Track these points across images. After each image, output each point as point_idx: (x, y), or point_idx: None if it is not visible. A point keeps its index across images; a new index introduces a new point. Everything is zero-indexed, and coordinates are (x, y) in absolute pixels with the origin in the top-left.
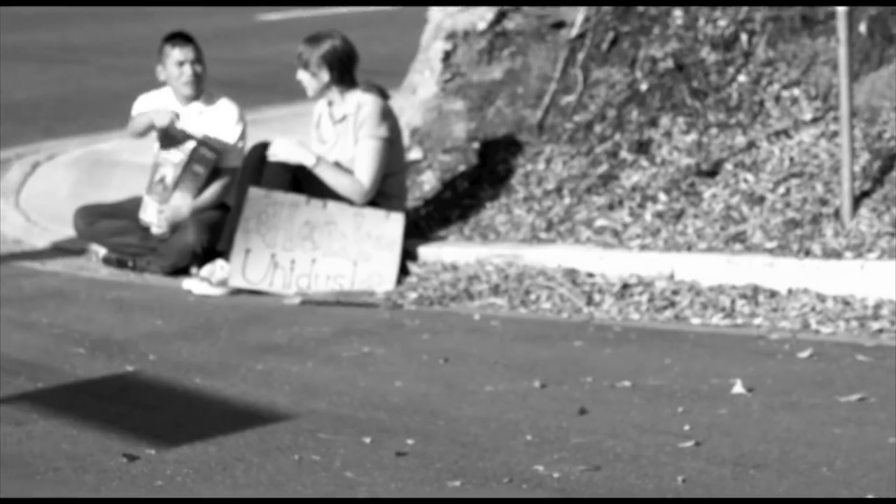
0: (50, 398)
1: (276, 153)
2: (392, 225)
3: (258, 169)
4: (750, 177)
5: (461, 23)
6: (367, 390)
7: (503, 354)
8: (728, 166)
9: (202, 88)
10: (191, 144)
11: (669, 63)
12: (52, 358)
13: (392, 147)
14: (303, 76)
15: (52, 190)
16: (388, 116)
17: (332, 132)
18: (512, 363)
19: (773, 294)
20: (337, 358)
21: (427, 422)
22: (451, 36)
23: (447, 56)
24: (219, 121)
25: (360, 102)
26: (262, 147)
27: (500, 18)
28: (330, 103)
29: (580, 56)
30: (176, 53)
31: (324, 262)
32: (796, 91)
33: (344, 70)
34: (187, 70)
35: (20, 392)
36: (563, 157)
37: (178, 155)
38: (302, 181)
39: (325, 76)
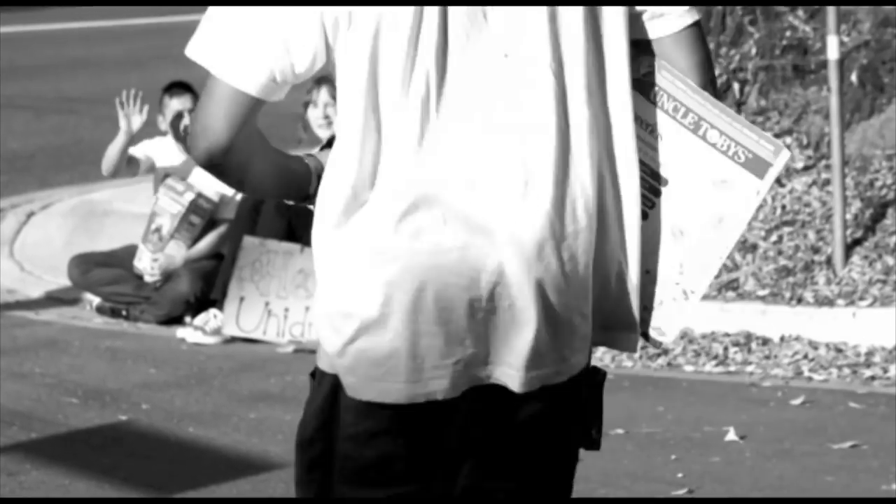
0: (43, 448)
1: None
2: None
3: (252, 218)
4: None
5: None
6: None
7: None
8: None
9: None
10: (189, 196)
11: None
12: (46, 408)
13: None
14: (335, 110)
15: (47, 240)
16: None
17: None
18: None
19: (765, 341)
20: None
21: None
22: None
23: None
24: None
25: None
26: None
27: None
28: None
29: None
30: (174, 103)
31: None
32: (788, 139)
33: None
34: (186, 120)
35: (13, 442)
36: None
37: (175, 206)
38: (296, 229)
39: None
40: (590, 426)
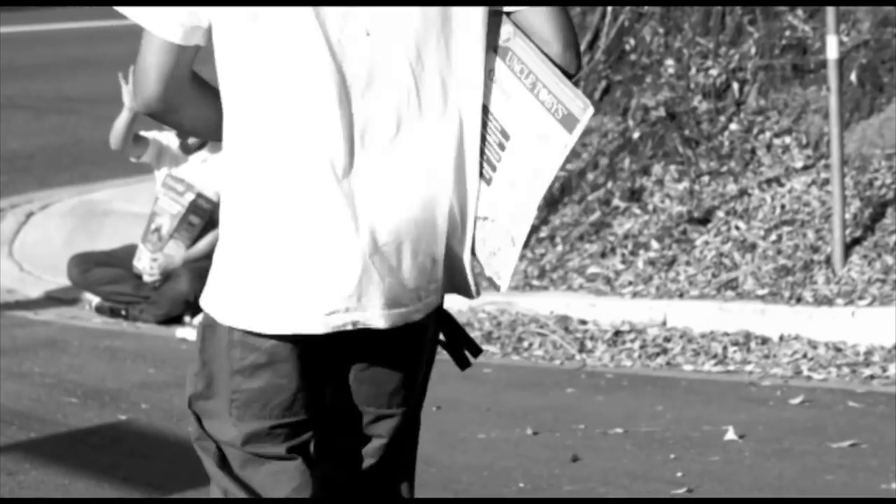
0: (42, 448)
1: None
2: None
3: None
4: (741, 224)
5: None
6: None
7: (495, 402)
8: (720, 214)
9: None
10: (189, 196)
11: (661, 112)
12: (45, 407)
13: None
14: None
15: (46, 239)
16: None
17: None
18: (504, 410)
19: (764, 341)
20: None
21: (419, 470)
22: None
23: None
24: (221, 169)
25: None
26: None
27: None
28: None
29: None
30: None
31: None
32: (787, 139)
33: None
34: None
35: (12, 442)
36: (556, 205)
37: (175, 206)
38: None
39: None
40: (462, 349)
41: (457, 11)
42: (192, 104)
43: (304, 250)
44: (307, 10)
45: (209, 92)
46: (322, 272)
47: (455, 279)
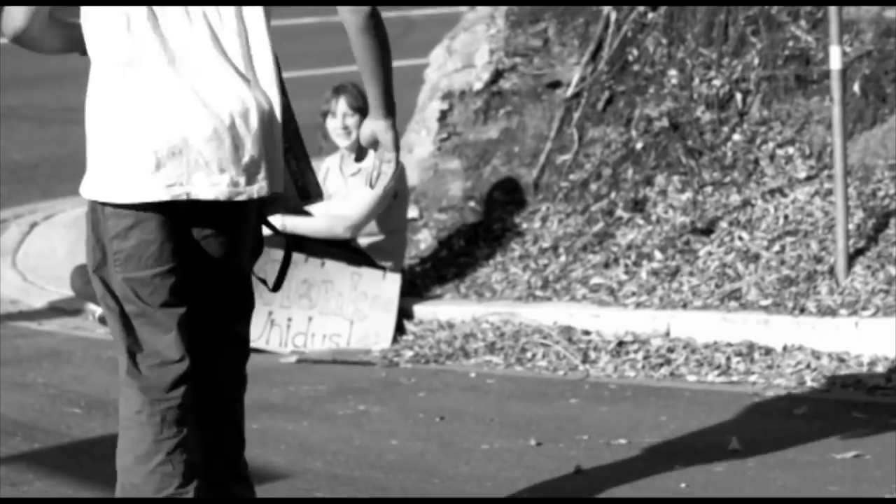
0: (46, 458)
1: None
2: (389, 285)
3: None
4: (745, 235)
5: (457, 83)
6: (363, 449)
7: (499, 412)
8: (723, 224)
9: None
10: None
11: (664, 122)
12: (48, 418)
13: (398, 202)
14: (353, 119)
15: (50, 250)
16: (402, 171)
17: (343, 185)
18: (508, 421)
19: (768, 351)
20: (333, 417)
21: (423, 480)
22: (448, 96)
23: (443, 116)
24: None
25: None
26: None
27: (496, 78)
28: (342, 157)
29: (575, 115)
30: None
31: (320, 320)
32: (791, 150)
33: None
34: None
35: (16, 453)
36: (559, 216)
37: None
38: (302, 239)
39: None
40: (283, 271)
41: None
42: (51, 36)
43: (148, 140)
44: None
45: (62, 26)
46: (163, 156)
47: (275, 182)
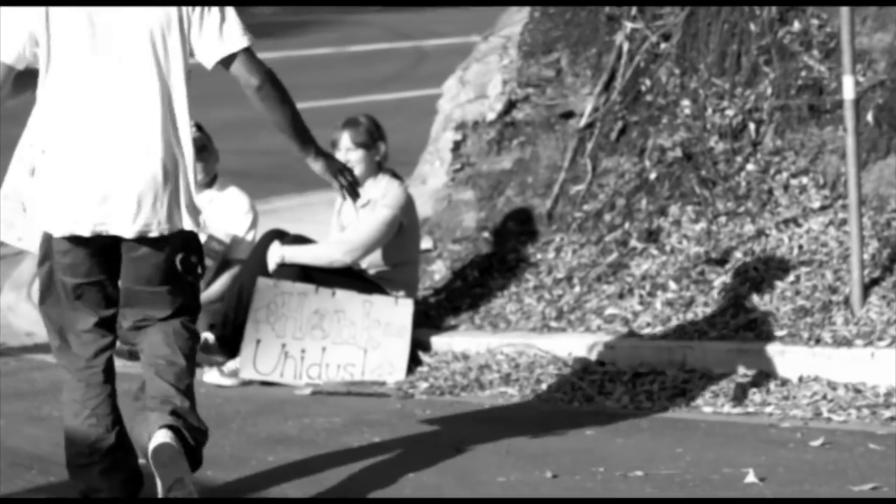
0: (61, 492)
1: (269, 264)
2: (401, 311)
3: (264, 259)
4: (759, 265)
5: (470, 113)
6: (379, 482)
7: (514, 444)
8: (737, 254)
9: (211, 175)
10: (201, 238)
11: (678, 152)
12: (63, 452)
13: (407, 235)
14: (356, 154)
15: None
16: (410, 203)
17: (354, 217)
18: (523, 453)
19: (783, 382)
20: (348, 449)
21: None
22: (461, 126)
23: (457, 146)
24: (228, 210)
25: (388, 187)
26: (271, 236)
27: (509, 109)
28: None
29: (589, 145)
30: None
31: (334, 350)
32: (805, 179)
33: (386, 152)
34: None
35: (32, 486)
36: (573, 246)
37: None
38: (310, 270)
39: (382, 148)
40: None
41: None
42: (10, 90)
43: (78, 184)
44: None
45: (25, 77)
46: (91, 198)
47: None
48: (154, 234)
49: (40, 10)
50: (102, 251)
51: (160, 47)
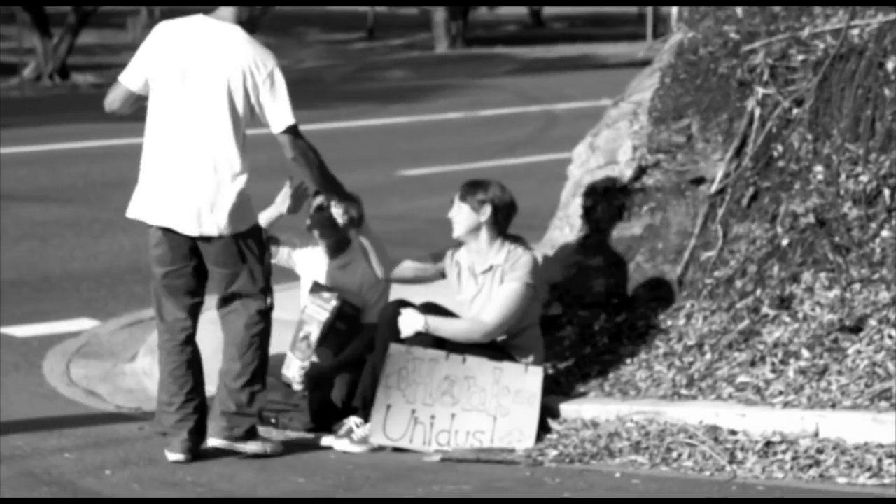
0: None
1: (404, 330)
2: (531, 379)
3: (395, 325)
4: (895, 333)
5: (600, 179)
6: None
7: None
8: (872, 322)
9: (344, 241)
10: (335, 303)
11: (811, 218)
12: None
13: (534, 298)
14: (459, 210)
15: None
16: (537, 268)
17: (474, 285)
18: None
19: None
20: None
21: None
22: (591, 192)
23: (587, 212)
24: (361, 275)
25: (512, 252)
26: (398, 304)
27: (639, 174)
28: (467, 253)
29: (720, 211)
30: (318, 198)
31: (463, 417)
32: None
33: (503, 217)
34: (327, 212)
35: None
36: (704, 313)
37: (322, 313)
38: (441, 336)
39: (485, 214)
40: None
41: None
42: (128, 110)
43: (158, 185)
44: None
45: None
46: (163, 197)
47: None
48: (213, 233)
49: (158, 50)
50: (181, 245)
51: (232, 90)
